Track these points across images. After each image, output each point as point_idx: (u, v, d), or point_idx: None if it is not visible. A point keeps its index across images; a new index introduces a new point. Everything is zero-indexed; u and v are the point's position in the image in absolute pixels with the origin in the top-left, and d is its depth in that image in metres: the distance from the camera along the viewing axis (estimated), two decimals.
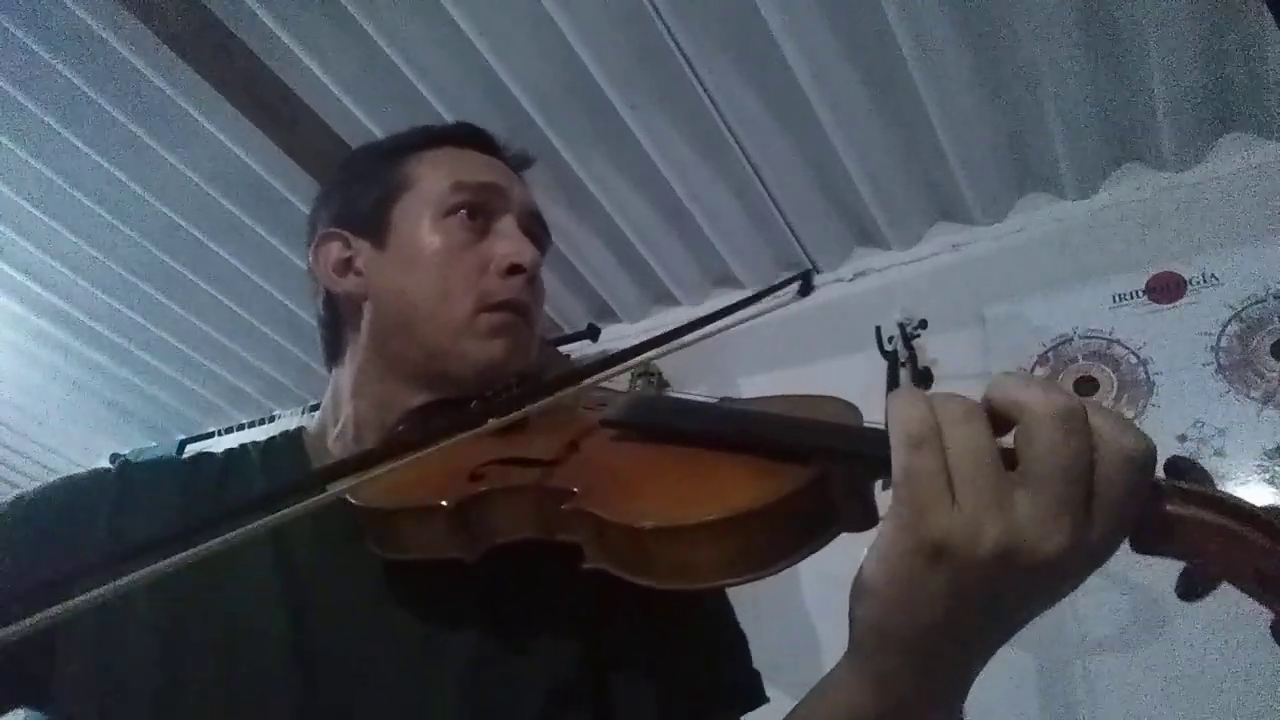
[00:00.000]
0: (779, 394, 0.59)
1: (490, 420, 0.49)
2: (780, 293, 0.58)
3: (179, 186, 2.16)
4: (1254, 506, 0.37)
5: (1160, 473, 0.39)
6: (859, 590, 0.41)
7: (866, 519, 0.45)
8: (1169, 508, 0.37)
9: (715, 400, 0.60)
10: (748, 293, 2.22)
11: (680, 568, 0.44)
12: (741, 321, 0.57)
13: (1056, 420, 0.36)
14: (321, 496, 0.43)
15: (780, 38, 1.57)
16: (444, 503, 0.53)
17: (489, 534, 0.55)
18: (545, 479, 0.54)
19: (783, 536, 0.44)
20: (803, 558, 0.44)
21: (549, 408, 0.54)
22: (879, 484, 0.45)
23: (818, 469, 0.45)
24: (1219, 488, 0.38)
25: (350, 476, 0.45)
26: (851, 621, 0.43)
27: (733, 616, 0.72)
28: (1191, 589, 0.38)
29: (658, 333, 0.56)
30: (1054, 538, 0.36)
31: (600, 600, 0.60)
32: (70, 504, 0.64)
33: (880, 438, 0.39)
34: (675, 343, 0.57)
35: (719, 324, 0.57)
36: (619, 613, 0.61)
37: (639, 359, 0.55)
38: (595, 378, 0.54)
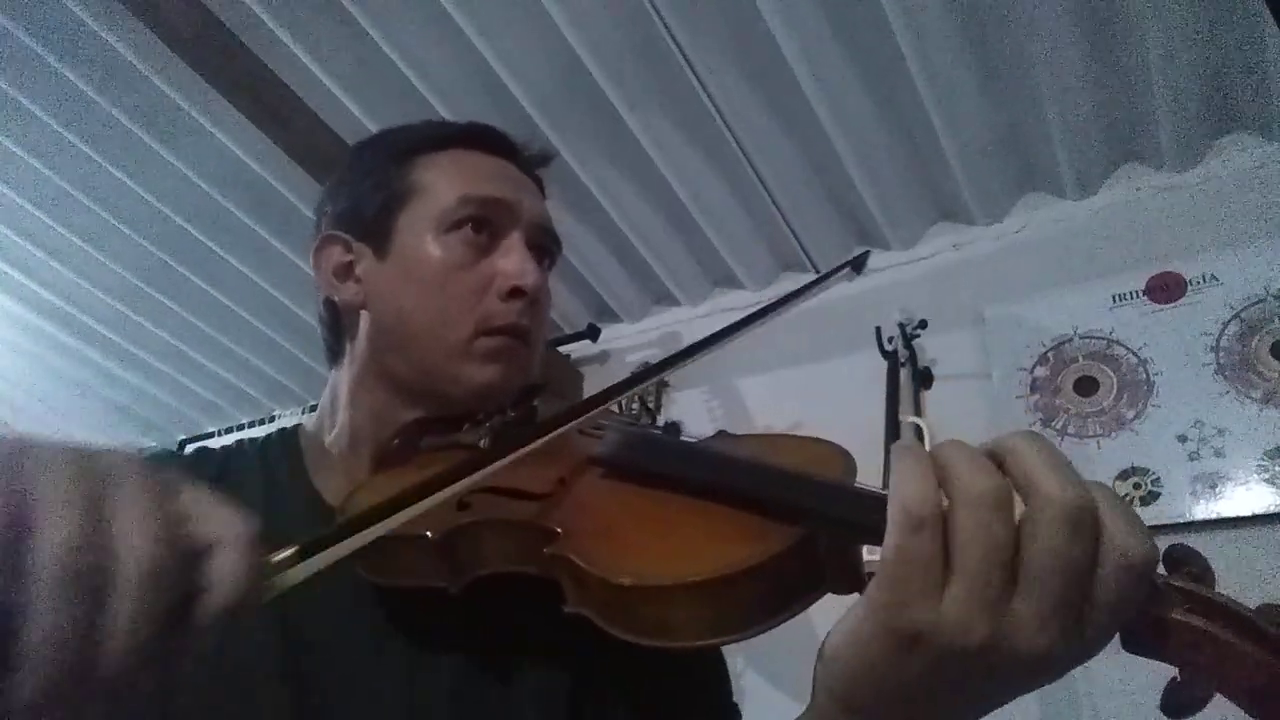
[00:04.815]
0: (774, 432, 0.57)
1: (497, 460, 0.48)
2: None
3: (179, 186, 2.16)
4: (1251, 613, 0.35)
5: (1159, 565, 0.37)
6: (826, 656, 0.40)
7: (853, 582, 0.43)
8: (1163, 613, 0.36)
9: (709, 438, 0.59)
10: (748, 294, 2.24)
11: (658, 626, 0.44)
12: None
13: (1068, 518, 0.34)
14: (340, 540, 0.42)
15: (780, 38, 1.57)
16: (429, 534, 0.53)
17: (473, 565, 0.55)
18: (530, 515, 0.53)
19: (765, 599, 0.43)
20: (785, 620, 0.43)
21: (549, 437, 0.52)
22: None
23: (805, 530, 0.43)
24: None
25: (373, 524, 0.44)
26: (815, 682, 0.42)
27: (716, 648, 0.70)
28: (1180, 705, 0.36)
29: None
30: (1043, 638, 0.35)
31: (581, 630, 0.60)
32: None
33: (875, 505, 0.38)
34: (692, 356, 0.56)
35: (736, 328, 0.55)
36: (600, 642, 0.60)
37: (649, 380, 0.54)
38: (603, 405, 0.53)
